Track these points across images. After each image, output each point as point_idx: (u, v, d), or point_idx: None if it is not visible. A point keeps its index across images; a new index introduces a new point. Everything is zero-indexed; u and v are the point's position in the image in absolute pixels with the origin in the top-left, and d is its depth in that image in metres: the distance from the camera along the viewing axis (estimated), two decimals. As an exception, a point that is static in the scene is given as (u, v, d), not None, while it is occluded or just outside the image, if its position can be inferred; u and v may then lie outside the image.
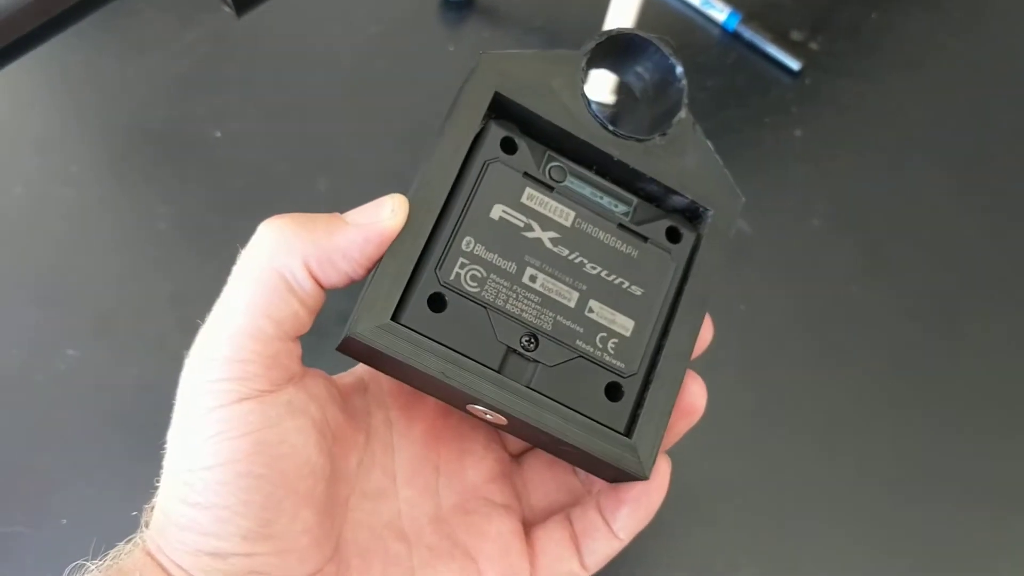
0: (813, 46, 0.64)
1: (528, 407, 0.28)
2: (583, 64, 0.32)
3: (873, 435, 0.51)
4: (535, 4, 0.67)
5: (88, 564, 0.29)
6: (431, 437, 0.34)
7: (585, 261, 0.30)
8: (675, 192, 0.32)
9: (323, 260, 0.28)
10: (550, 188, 0.31)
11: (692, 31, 0.65)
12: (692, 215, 0.32)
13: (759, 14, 0.64)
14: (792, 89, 0.63)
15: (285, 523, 0.28)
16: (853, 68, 0.64)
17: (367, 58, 0.65)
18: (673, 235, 0.32)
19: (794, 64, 0.63)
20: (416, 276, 0.29)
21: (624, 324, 0.30)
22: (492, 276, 0.29)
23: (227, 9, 0.42)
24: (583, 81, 0.31)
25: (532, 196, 0.30)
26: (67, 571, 0.29)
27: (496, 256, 0.29)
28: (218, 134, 0.62)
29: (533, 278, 0.30)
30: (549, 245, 0.30)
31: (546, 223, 0.30)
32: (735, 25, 0.64)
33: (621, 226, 0.31)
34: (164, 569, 0.28)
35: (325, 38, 0.66)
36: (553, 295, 0.30)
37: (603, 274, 0.31)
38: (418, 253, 0.29)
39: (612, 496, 0.32)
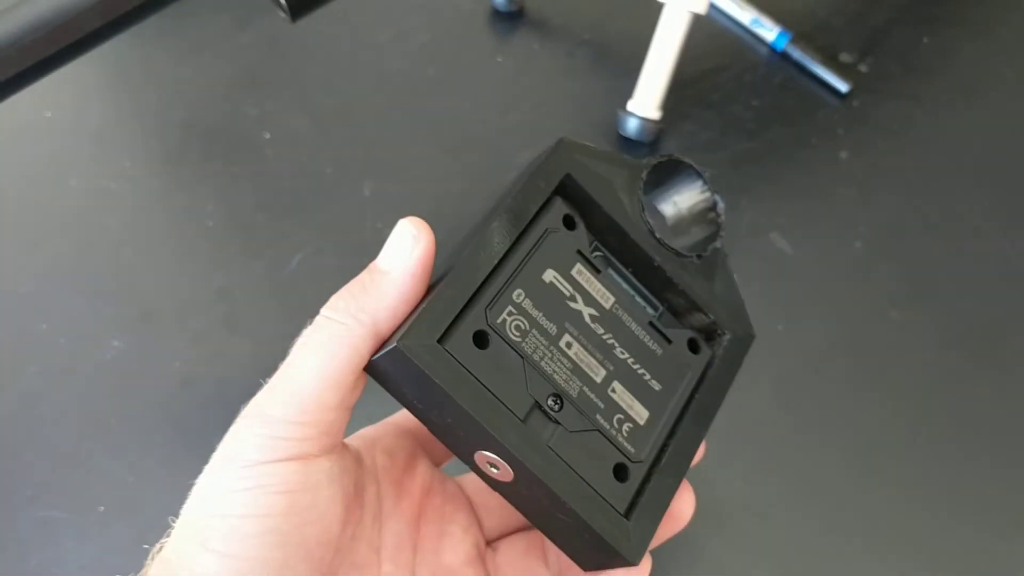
0: (862, 68, 0.64)
1: (542, 463, 0.29)
2: (644, 174, 0.34)
3: (909, 462, 0.50)
4: (584, 18, 0.67)
5: None
6: (415, 516, 0.35)
7: (616, 344, 0.32)
8: (699, 310, 0.34)
9: (380, 323, 0.29)
10: (597, 271, 0.33)
11: (740, 50, 0.66)
12: (708, 335, 0.35)
13: (808, 35, 0.64)
14: (839, 111, 0.62)
15: None
16: (902, 92, 0.63)
17: (416, 66, 0.66)
18: (693, 346, 0.34)
19: (842, 86, 0.63)
20: (466, 310, 0.29)
21: (640, 412, 0.32)
22: (534, 331, 0.30)
23: (282, 14, 0.43)
24: (642, 189, 0.34)
25: (581, 272, 0.32)
26: None
27: (541, 314, 0.31)
28: (267, 135, 0.63)
29: (568, 345, 0.31)
30: (587, 320, 0.32)
31: (588, 300, 0.32)
32: (784, 45, 0.64)
33: (651, 323, 0.34)
34: None
35: (375, 45, 0.67)
36: (583, 366, 0.31)
37: (630, 361, 0.32)
38: (474, 289, 0.29)
39: None
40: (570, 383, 0.31)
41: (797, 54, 0.64)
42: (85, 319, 0.56)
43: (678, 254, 0.34)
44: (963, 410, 0.52)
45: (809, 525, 0.48)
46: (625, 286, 0.34)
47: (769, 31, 0.65)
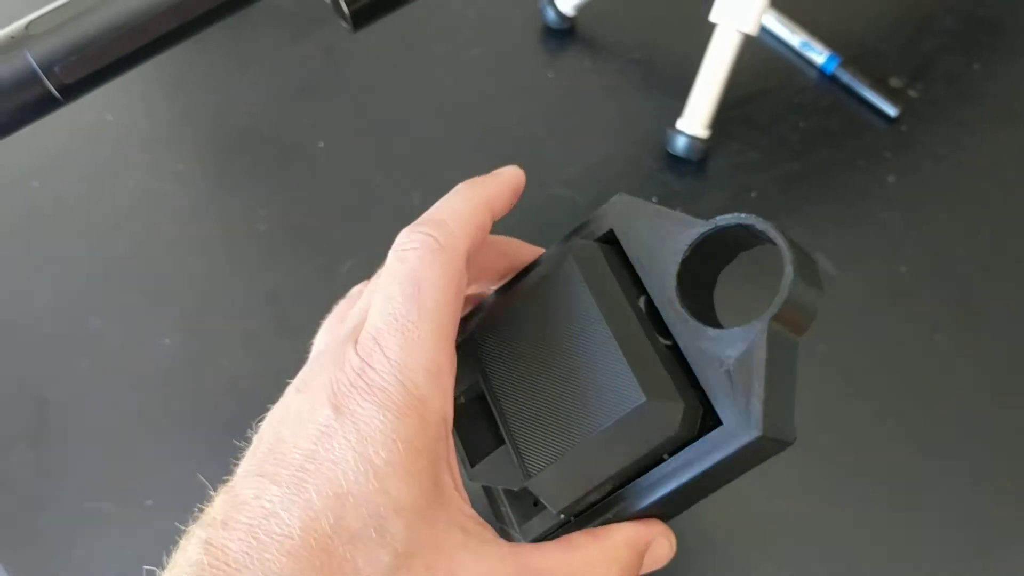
0: (912, 93, 0.64)
1: None
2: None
3: (951, 489, 0.50)
4: (635, 36, 0.68)
5: None
6: None
7: None
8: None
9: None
10: None
11: (789, 72, 0.66)
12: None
13: (858, 59, 0.64)
14: (887, 135, 0.63)
15: None
16: (952, 117, 0.63)
17: (467, 79, 0.67)
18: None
19: (891, 110, 0.63)
20: None
21: None
22: None
23: (344, 24, 0.44)
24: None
25: None
26: None
27: None
28: (321, 144, 0.64)
29: None
30: None
31: None
32: (833, 68, 0.64)
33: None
34: None
35: (429, 58, 0.68)
36: None
37: None
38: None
39: None
40: None
41: (846, 77, 0.64)
42: (138, 316, 0.58)
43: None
44: (1007, 437, 0.51)
45: (847, 546, 0.48)
46: None
47: (819, 55, 0.65)
